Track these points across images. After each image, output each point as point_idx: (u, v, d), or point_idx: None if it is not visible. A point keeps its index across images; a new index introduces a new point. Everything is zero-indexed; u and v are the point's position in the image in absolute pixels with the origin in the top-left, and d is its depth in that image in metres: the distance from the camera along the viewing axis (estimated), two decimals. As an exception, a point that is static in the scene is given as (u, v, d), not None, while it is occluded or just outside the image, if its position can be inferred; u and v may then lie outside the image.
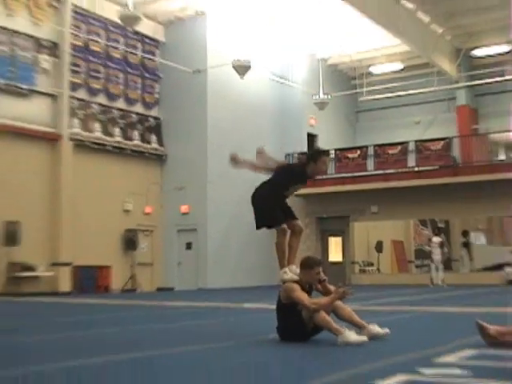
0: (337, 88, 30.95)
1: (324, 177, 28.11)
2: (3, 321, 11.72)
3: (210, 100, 27.06)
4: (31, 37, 23.46)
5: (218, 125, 27.19)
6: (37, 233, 22.77)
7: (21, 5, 23.12)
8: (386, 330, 7.39)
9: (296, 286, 7.31)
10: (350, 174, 28.10)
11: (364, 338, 7.00)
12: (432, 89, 29.39)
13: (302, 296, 7.23)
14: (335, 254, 30.07)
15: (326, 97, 27.68)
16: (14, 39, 22.93)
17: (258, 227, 8.25)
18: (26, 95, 23.08)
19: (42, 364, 5.97)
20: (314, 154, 8.17)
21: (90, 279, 24.15)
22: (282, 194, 8.16)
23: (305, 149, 30.27)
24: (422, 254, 28.76)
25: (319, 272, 7.49)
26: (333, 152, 28.46)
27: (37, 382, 5.14)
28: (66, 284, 23.32)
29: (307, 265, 7.53)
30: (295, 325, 7.26)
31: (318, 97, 27.75)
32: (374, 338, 7.22)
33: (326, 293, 7.48)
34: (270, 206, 8.11)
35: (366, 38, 29.15)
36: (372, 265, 30.05)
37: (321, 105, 27.92)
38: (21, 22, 23.17)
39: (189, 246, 27.46)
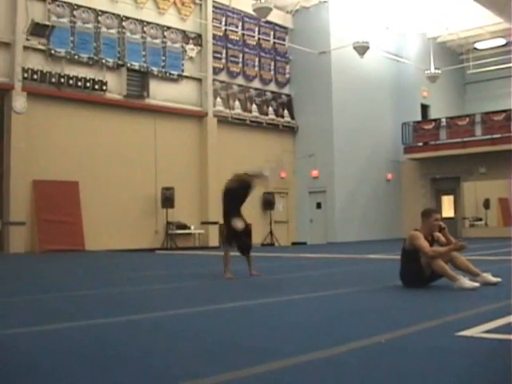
0: (446, 63, 30.03)
1: (437, 142, 28.12)
2: (162, 269, 12.11)
3: (334, 77, 26.79)
4: (179, 30, 23.92)
5: (341, 98, 26.92)
6: (189, 196, 23.42)
7: (169, 3, 23.61)
8: (498, 279, 7.21)
9: (420, 235, 7.17)
10: (459, 140, 27.44)
11: (477, 284, 6.86)
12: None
13: (424, 243, 7.09)
14: (448, 210, 29.46)
15: (436, 71, 26.99)
16: (165, 33, 23.46)
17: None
18: (176, 80, 23.62)
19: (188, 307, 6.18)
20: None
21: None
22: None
23: (419, 118, 29.72)
24: (526, 209, 28.22)
25: (438, 219, 7.33)
26: (444, 120, 28.23)
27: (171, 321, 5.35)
28: (214, 239, 23.86)
29: (426, 213, 7.42)
30: (415, 270, 7.18)
31: (429, 71, 27.09)
32: (487, 284, 7.07)
33: (447, 241, 7.32)
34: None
35: (471, 18, 28.30)
36: (480, 220, 29.22)
37: (432, 78, 27.24)
38: (170, 19, 23.64)
39: (319, 205, 27.39)
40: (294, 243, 27.00)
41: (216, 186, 23.73)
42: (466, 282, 6.85)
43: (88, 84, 20.70)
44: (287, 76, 28.05)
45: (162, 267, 13.21)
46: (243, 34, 26.24)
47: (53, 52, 20.11)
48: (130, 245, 21.22)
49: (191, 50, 24.27)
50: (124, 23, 22.19)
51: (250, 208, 25.38)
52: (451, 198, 29.79)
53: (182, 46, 23.96)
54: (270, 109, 27.02)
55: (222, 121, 24.86)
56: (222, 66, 25.42)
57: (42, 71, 19.73)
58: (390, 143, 29.38)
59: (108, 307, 6.27)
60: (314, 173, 27.25)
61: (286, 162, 27.42)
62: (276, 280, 9.32)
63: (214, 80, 24.80)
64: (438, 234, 7.41)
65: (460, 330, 4.38)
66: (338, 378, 3.25)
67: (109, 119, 21.48)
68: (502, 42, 30.80)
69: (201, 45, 24.49)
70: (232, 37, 25.86)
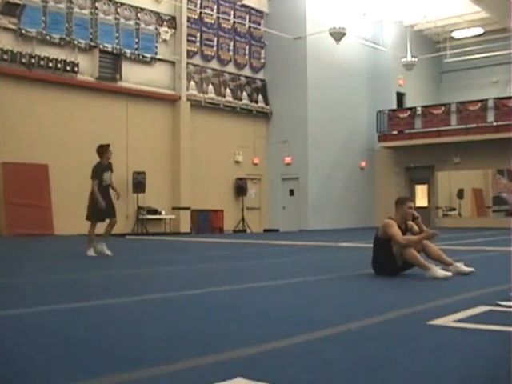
0: (423, 51, 30.06)
1: (412, 131, 28.25)
2: (133, 256, 12.10)
3: (310, 63, 26.79)
4: (153, 12, 23.76)
5: (316, 85, 26.93)
6: (160, 181, 23.32)
7: (144, -17, 23.45)
8: (471, 269, 7.24)
9: (393, 223, 7.20)
10: (434, 129, 27.59)
11: (449, 274, 6.89)
12: (510, 51, 28.23)
13: (396, 232, 7.11)
14: (421, 199, 29.81)
15: (413, 59, 27.07)
16: (139, 15, 23.27)
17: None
18: (149, 63, 23.48)
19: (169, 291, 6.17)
20: (102, 150, 11.28)
21: (206, 221, 24.57)
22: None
23: (394, 106, 29.83)
24: (499, 201, 28.56)
25: (411, 207, 7.35)
26: (419, 108, 28.32)
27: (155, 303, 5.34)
28: (185, 225, 23.86)
29: (400, 201, 7.46)
30: (388, 259, 7.20)
31: (405, 59, 27.16)
32: (459, 274, 7.11)
33: (420, 230, 7.34)
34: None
35: (449, 6, 28.39)
36: (454, 210, 29.67)
37: (408, 66, 27.32)
38: (144, 0, 23.45)
39: (292, 192, 27.50)
40: (266, 230, 27.04)
41: (188, 171, 23.76)
42: (439, 271, 6.85)
43: (59, 65, 20.47)
44: (262, 61, 28.00)
45: (131, 252, 13.16)
46: (218, 18, 26.11)
47: (24, 32, 19.78)
48: (99, 229, 21.07)
49: (165, 32, 24.10)
50: (97, 4, 21.98)
51: (222, 194, 25.54)
52: (425, 187, 29.99)
53: (156, 29, 23.81)
54: (244, 94, 26.96)
55: (196, 105, 24.76)
56: (196, 50, 25.30)
57: (12, 51, 19.41)
58: (365, 131, 29.53)
59: (70, 293, 6.26)
60: (288, 159, 27.29)
61: (259, 148, 27.45)
62: (244, 267, 9.29)
63: (187, 63, 24.68)
64: (411, 223, 7.42)
65: (431, 319, 4.39)
66: (311, 364, 3.26)
67: (80, 101, 21.28)
68: (480, 31, 30.86)
69: (175, 27, 24.35)
70: (207, 20, 25.71)
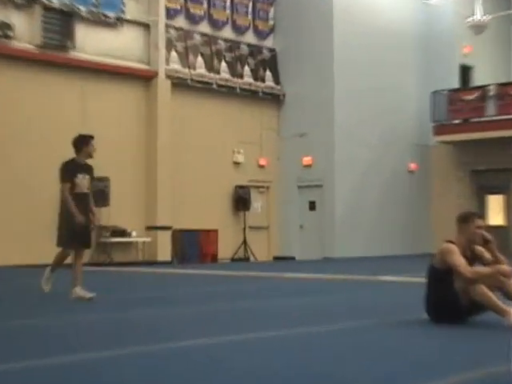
0: (496, 7, 29.85)
1: (482, 119, 27.98)
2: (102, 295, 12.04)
3: (337, 25, 26.79)
4: (119, -47, 23.86)
5: (347, 55, 26.95)
6: (129, 190, 23.26)
7: None
8: None
9: (455, 248, 7.17)
10: None
11: None
12: None
13: (460, 261, 7.08)
14: (495, 216, 29.52)
15: (483, 18, 26.76)
16: (99, -43, 23.35)
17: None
18: (113, 25, 23.49)
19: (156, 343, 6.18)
20: (81, 142, 10.96)
21: (193, 246, 24.50)
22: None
23: (456, 84, 29.75)
24: None
25: (481, 226, 7.33)
26: (492, 87, 28.08)
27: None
28: (165, 252, 23.76)
29: (464, 218, 7.45)
30: (448, 298, 7.16)
31: (473, 19, 26.89)
32: None
33: (494, 259, 7.31)
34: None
35: None
36: None
37: (477, 28, 27.01)
38: None
39: (312, 205, 27.53)
40: (276, 258, 27.02)
41: (168, 175, 23.73)
42: None
43: (-15, 28, 20.62)
44: (271, 23, 28.07)
45: (92, 290, 13.06)
46: (209, -38, 26.24)
47: None
48: (41, 257, 20.91)
49: (136, -18, 24.24)
50: None
51: (215, 207, 25.49)
52: (501, 198, 29.88)
53: (123, -23, 23.91)
54: (247, 68, 27.05)
55: (179, 84, 24.85)
56: (179, 7, 25.37)
57: None
58: (415, 120, 29.59)
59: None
60: (307, 159, 27.39)
61: (266, 144, 27.42)
62: (247, 310, 9.34)
63: (167, 26, 24.75)
64: (480, 249, 7.42)
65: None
66: None
67: (15, 78, 21.25)
68: None
69: (149, -25, 24.48)
70: (194, -35, 25.83)
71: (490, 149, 28.48)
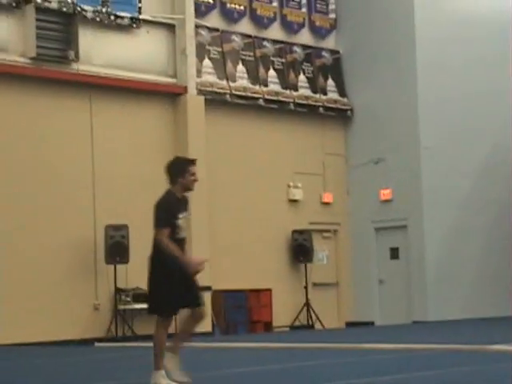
0: None
1: None
2: None
3: (420, 18, 27.01)
4: None
5: (434, 57, 27.06)
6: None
7: None
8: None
9: None
10: None
11: None
12: None
13: None
14: None
15: None
16: None
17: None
18: (126, 28, 23.83)
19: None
20: (175, 168, 10.33)
21: (239, 311, 24.77)
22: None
23: None
24: None
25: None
26: None
27: None
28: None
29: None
30: None
31: None
32: None
33: None
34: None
35: None
36: None
37: None
38: None
39: (395, 253, 27.84)
40: (350, 323, 27.15)
41: (204, 219, 23.70)
42: None
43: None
44: (332, 17, 28.49)
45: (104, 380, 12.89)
46: None
47: None
48: (45, 334, 21.14)
49: (155, -28, 24.53)
50: None
51: (267, 260, 25.46)
52: None
53: (138, -33, 24.21)
54: (302, 77, 27.44)
55: (214, 101, 25.22)
56: (212, 2, 25.75)
57: None
58: None
59: None
60: (385, 193, 27.63)
61: (332, 175, 27.46)
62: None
63: (197, 27, 25.08)
64: None
65: None
66: None
67: (6, 98, 21.62)
68: None
69: (173, -37, 24.81)
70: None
71: None
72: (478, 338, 16.83)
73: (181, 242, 10.15)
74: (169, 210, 10.10)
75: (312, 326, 26.01)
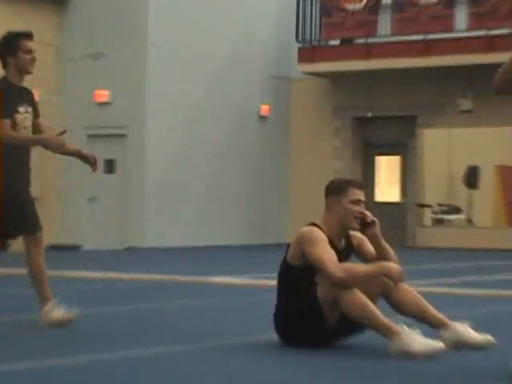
0: None
1: (371, 40, 28.53)
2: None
3: None
4: None
5: None
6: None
7: None
8: (488, 337, 7.26)
9: (320, 235, 7.27)
10: (419, 37, 27.83)
11: (440, 345, 6.93)
12: None
13: (326, 253, 7.15)
14: (387, 187, 30.45)
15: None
16: None
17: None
18: None
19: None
20: (3, 46, 8.88)
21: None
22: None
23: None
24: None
25: (359, 200, 7.43)
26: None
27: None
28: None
29: (336, 188, 7.59)
30: (306, 309, 7.22)
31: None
32: (461, 346, 7.18)
33: (379, 252, 7.46)
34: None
35: None
36: (458, 211, 29.76)
37: None
38: None
39: (110, 166, 27.13)
40: (54, 247, 24.82)
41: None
42: (418, 342, 6.86)
43: None
44: None
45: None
46: None
47: None
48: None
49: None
50: None
51: None
52: (396, 160, 30.47)
53: None
54: None
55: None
56: None
57: None
58: (269, 38, 29.60)
59: None
60: (102, 94, 26.69)
61: (39, 68, 24.89)
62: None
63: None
64: (360, 237, 7.62)
65: None
66: None
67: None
68: None
69: None
70: None
71: (380, 86, 29.24)
72: (198, 268, 17.60)
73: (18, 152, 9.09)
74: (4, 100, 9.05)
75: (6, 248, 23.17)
